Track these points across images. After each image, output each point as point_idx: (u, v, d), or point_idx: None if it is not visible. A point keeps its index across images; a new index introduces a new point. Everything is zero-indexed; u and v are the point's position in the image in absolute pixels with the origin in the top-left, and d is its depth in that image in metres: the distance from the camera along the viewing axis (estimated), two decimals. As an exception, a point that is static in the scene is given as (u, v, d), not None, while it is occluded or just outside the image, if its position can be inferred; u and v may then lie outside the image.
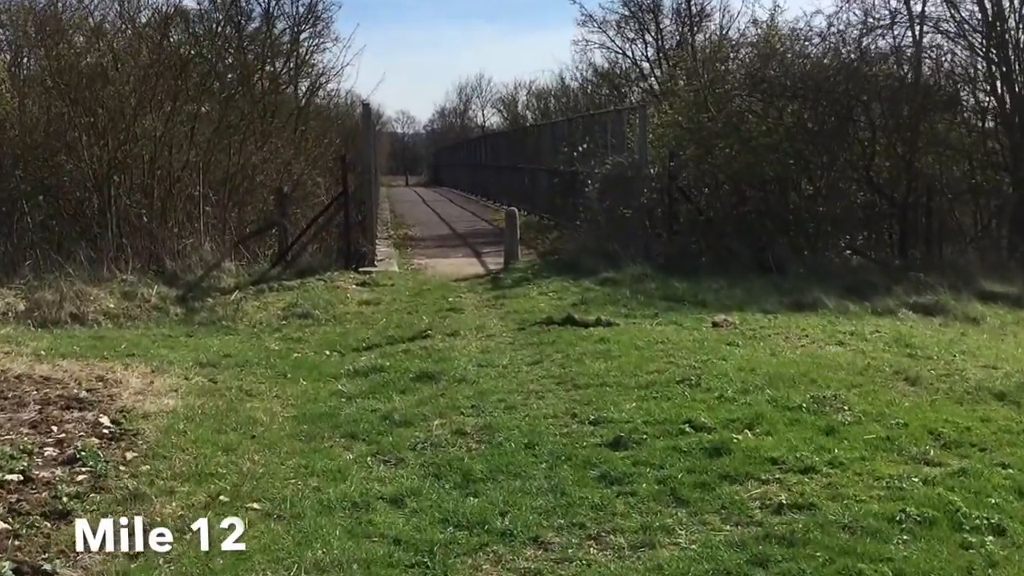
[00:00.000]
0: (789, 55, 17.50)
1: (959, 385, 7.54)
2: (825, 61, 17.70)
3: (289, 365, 9.17)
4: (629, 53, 33.64)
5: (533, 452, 6.25)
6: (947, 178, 18.04)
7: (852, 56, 17.90)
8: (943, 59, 18.56)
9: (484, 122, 72.52)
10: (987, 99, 18.42)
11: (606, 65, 35.41)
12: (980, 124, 18.53)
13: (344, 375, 8.75)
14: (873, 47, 18.34)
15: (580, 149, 20.70)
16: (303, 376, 8.72)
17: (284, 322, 11.67)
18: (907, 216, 18.10)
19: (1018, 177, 17.78)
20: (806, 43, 18.04)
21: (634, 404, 7.20)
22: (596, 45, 36.91)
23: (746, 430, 6.46)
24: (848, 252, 17.14)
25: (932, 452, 5.98)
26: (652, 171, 16.20)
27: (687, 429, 6.49)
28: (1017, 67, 17.94)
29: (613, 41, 33.86)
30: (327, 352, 9.88)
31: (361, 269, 15.39)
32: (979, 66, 18.58)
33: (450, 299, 13.04)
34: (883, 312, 12.18)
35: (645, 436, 6.40)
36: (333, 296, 13.15)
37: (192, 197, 15.40)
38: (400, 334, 10.59)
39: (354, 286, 14.22)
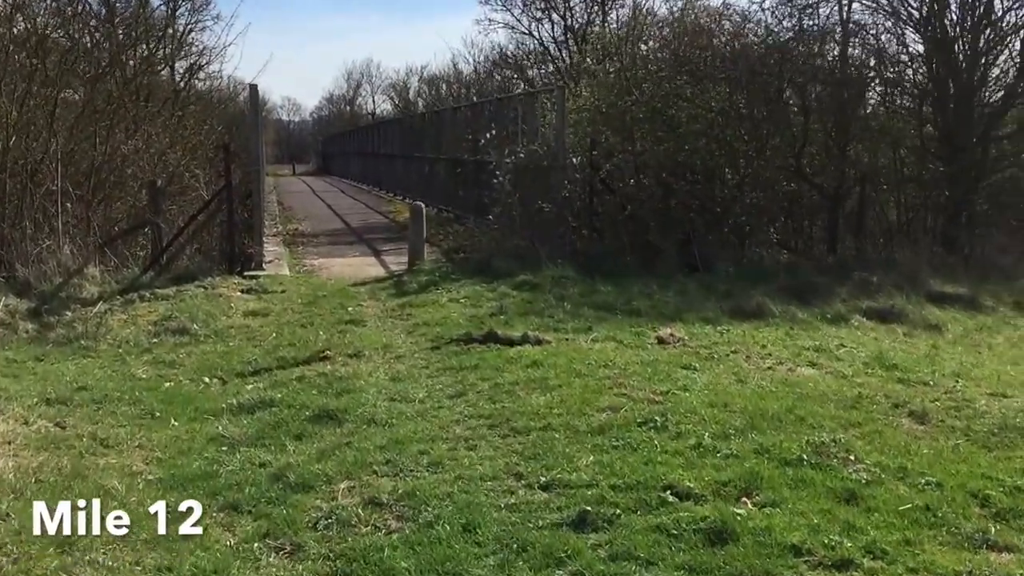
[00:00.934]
0: (718, 34, 16.33)
1: (977, 423, 6.35)
2: (754, 40, 16.60)
3: (159, 399, 7.50)
4: (536, 34, 32.26)
5: (475, 538, 4.75)
6: (882, 167, 17.16)
7: (783, 36, 16.87)
8: (877, 39, 17.70)
9: (375, 109, 70.35)
10: (925, 82, 17.64)
11: (511, 47, 33.95)
12: (918, 109, 17.73)
13: (226, 412, 7.16)
14: (806, 25, 17.34)
15: (487, 136, 19.24)
16: (175, 415, 7.08)
17: (156, 340, 9.88)
18: (838, 208, 17.20)
19: (955, 167, 17.03)
20: (738, 21, 16.91)
21: (592, 458, 5.76)
22: (500, 25, 35.42)
23: (745, 498, 5.08)
24: (779, 248, 16.11)
25: (990, 528, 4.72)
26: (574, 160, 14.80)
27: (669, 498, 5.09)
28: (958, 47, 17.20)
29: (519, 21, 32.40)
30: (206, 379, 8.25)
31: (247, 273, 13.59)
32: (912, 46, 17.83)
33: (350, 308, 11.42)
34: (835, 319, 11.08)
35: (617, 510, 4.97)
36: (214, 306, 11.37)
37: (51, 193, 13.35)
38: (294, 354, 8.97)
39: (239, 293, 12.44)
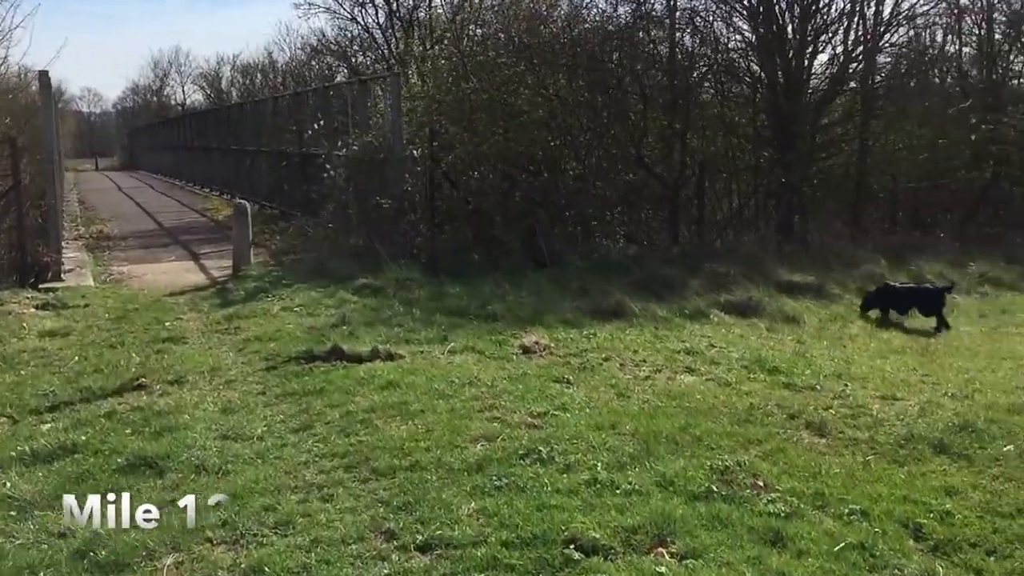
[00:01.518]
0: (554, 19, 15.76)
1: (879, 433, 5.90)
2: (591, 25, 16.14)
3: (-76, 449, 6.17)
4: (360, 19, 30.91)
5: (344, 631, 3.84)
6: (719, 156, 17.07)
7: (619, 21, 16.49)
8: (710, 26, 17.59)
9: (185, 99, 66.86)
10: (758, 70, 17.66)
11: (333, 32, 32.48)
12: (752, 97, 17.74)
13: (16, 462, 5.94)
14: (647, 10, 17.02)
15: (314, 127, 18.06)
16: (-55, 469, 5.80)
17: (-77, 372, 8.37)
18: (678, 198, 17.01)
19: (788, 155, 17.13)
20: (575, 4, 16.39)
21: (474, 504, 4.94)
22: (321, 9, 33.87)
23: (660, 548, 4.38)
24: (625, 240, 15.73)
25: (936, 570, 4.18)
26: (414, 152, 13.88)
27: (575, 555, 4.34)
28: (788, 35, 17.28)
29: (340, 5, 30.93)
30: (-10, 419, 6.92)
31: (43, 286, 12.01)
32: (745, 34, 17.82)
33: (167, 323, 10.14)
34: (695, 315, 10.69)
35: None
36: (2, 327, 9.86)
37: None
38: (101, 383, 7.71)
39: (33, 310, 10.91)
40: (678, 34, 17.18)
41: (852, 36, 18.31)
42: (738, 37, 17.95)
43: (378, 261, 12.74)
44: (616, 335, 8.97)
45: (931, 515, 4.70)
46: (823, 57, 18.64)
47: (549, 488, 5.10)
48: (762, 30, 17.71)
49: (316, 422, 6.56)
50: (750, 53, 18.55)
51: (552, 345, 8.43)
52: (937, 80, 20.65)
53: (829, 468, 5.33)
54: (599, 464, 5.41)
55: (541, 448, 5.67)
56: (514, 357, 8.10)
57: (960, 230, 17.20)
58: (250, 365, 8.26)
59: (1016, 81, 21.19)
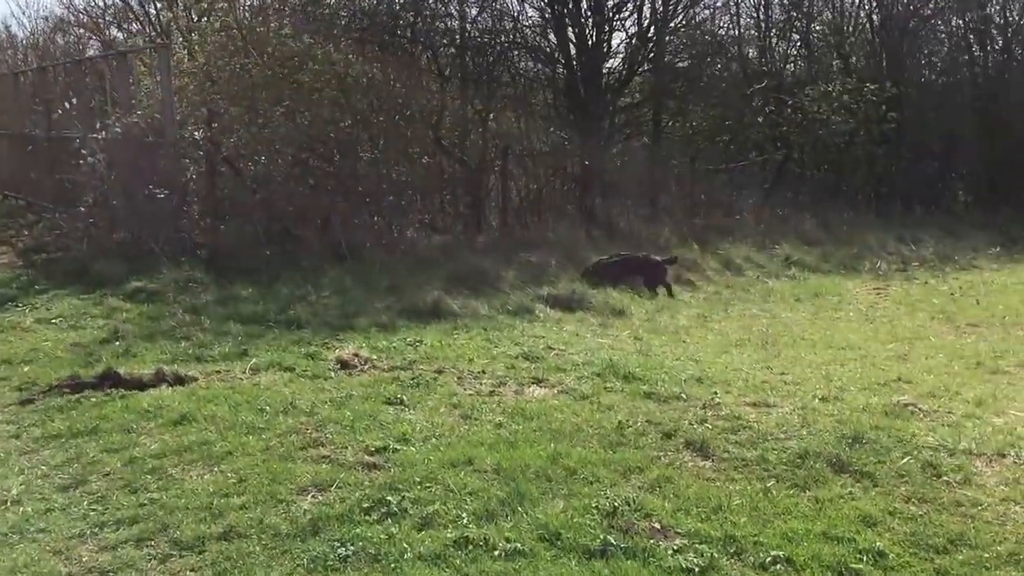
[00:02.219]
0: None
1: (768, 451, 5.25)
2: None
3: None
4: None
5: None
6: (521, 137, 16.41)
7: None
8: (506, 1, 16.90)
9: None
10: (556, 50, 17.13)
11: (80, 3, 29.41)
12: (553, 77, 17.19)
13: None
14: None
15: (65, 107, 15.96)
16: None
17: None
18: (481, 183, 16.23)
19: (588, 137, 16.69)
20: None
21: (320, 586, 3.87)
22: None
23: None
24: (430, 229, 14.77)
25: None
26: (196, 135, 12.32)
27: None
28: (584, 13, 16.83)
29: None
30: None
31: None
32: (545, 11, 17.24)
33: None
34: (520, 312, 9.90)
35: None
36: None
37: None
38: None
39: None
40: (471, 10, 16.35)
41: (646, 16, 18.15)
42: (534, 14, 17.35)
43: (153, 260, 11.23)
44: (444, 341, 8.01)
45: (862, 558, 4.06)
46: (620, 37, 18.41)
47: (410, 554, 4.10)
48: (557, 7, 17.19)
49: (91, 475, 5.26)
50: (548, 31, 18.01)
51: (374, 357, 7.37)
52: (720, 65, 20.87)
53: (728, 500, 4.62)
54: (464, 515, 4.46)
55: (389, 497, 4.66)
56: (332, 374, 6.98)
57: (757, 213, 17.36)
58: (-1, 398, 6.74)
59: (791, 66, 21.81)
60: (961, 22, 22.15)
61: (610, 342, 8.51)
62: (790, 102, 18.66)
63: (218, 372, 7.13)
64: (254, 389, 6.59)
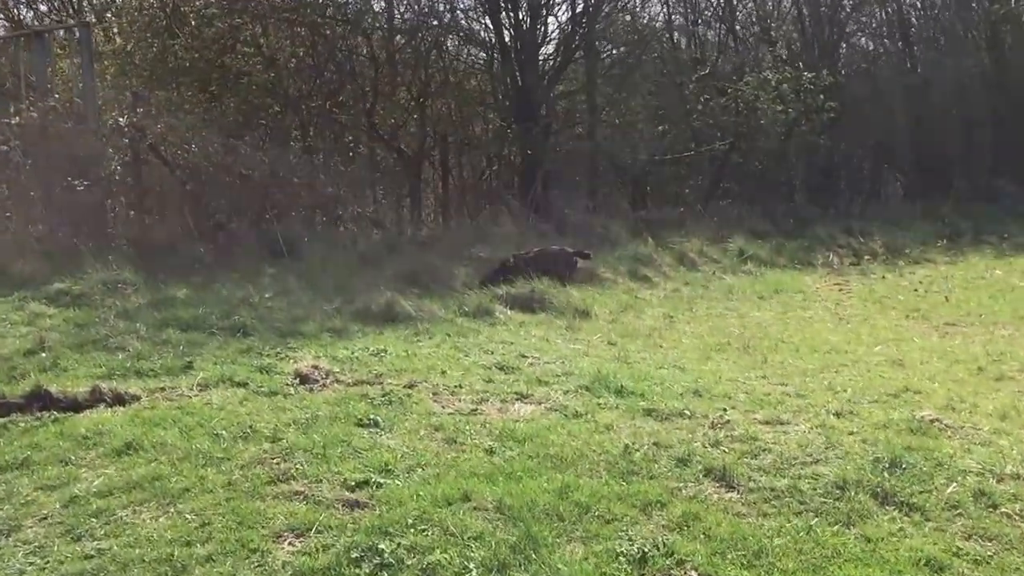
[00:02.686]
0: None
1: (799, 480, 4.78)
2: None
3: None
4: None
5: None
6: (462, 128, 15.81)
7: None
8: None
9: None
10: (492, 37, 16.54)
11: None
12: (491, 63, 16.59)
13: None
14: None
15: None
16: None
17: None
18: (419, 173, 15.60)
19: (528, 125, 16.14)
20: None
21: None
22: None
23: None
24: (369, 223, 14.11)
25: None
26: (120, 120, 11.44)
27: None
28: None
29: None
30: None
31: None
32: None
33: None
34: (479, 313, 9.37)
35: None
36: None
37: None
38: None
39: None
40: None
41: (578, 2, 17.69)
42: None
43: (76, 258, 10.38)
44: (409, 350, 7.40)
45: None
46: (553, 23, 17.90)
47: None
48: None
49: (26, 519, 4.56)
50: (482, 15, 17.42)
51: (336, 369, 6.73)
52: (656, 54, 20.51)
53: (769, 541, 4.13)
54: (472, 566, 3.90)
55: (380, 544, 4.07)
56: (291, 390, 6.33)
57: (704, 205, 17.06)
58: (-93, 424, 5.94)
59: (722, 56, 21.54)
60: (885, 14, 22.28)
61: (584, 348, 8.00)
62: (728, 90, 18.35)
63: (162, 389, 6.41)
64: (206, 409, 5.90)
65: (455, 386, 6.39)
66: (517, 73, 16.42)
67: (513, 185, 16.22)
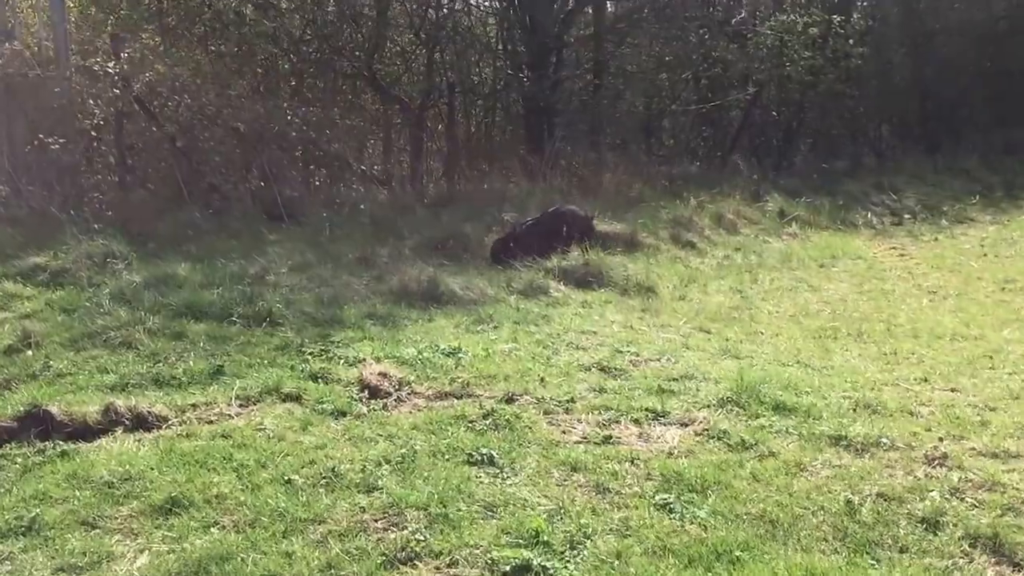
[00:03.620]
0: None
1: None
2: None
3: None
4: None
5: None
6: (471, 76, 14.34)
7: None
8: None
9: None
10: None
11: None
12: (504, 9, 15.06)
13: None
14: None
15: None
16: None
17: None
18: (423, 127, 14.12)
19: (539, 75, 14.68)
20: None
21: None
22: None
23: None
24: (375, 183, 12.65)
25: None
26: (105, 68, 9.83)
27: None
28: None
29: None
30: None
31: None
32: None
33: None
34: (532, 292, 8.06)
35: None
36: None
37: None
38: None
39: None
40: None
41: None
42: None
43: (51, 228, 8.91)
44: (485, 346, 6.06)
45: None
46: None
47: None
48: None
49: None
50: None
51: (410, 377, 5.39)
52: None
53: None
54: None
55: None
56: (360, 406, 5.00)
57: (725, 160, 15.79)
58: None
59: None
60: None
61: (678, 337, 6.73)
62: (749, 35, 16.96)
63: (193, 406, 5.04)
64: (261, 439, 4.56)
65: (565, 400, 5.09)
66: (527, 18, 14.90)
67: (523, 139, 14.76)
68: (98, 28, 10.41)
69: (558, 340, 6.36)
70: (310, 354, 5.90)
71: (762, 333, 7.08)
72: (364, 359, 5.66)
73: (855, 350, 6.60)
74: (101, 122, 9.78)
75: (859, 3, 19.64)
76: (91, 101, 9.75)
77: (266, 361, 5.77)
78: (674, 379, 5.49)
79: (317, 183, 11.44)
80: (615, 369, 5.69)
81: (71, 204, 9.52)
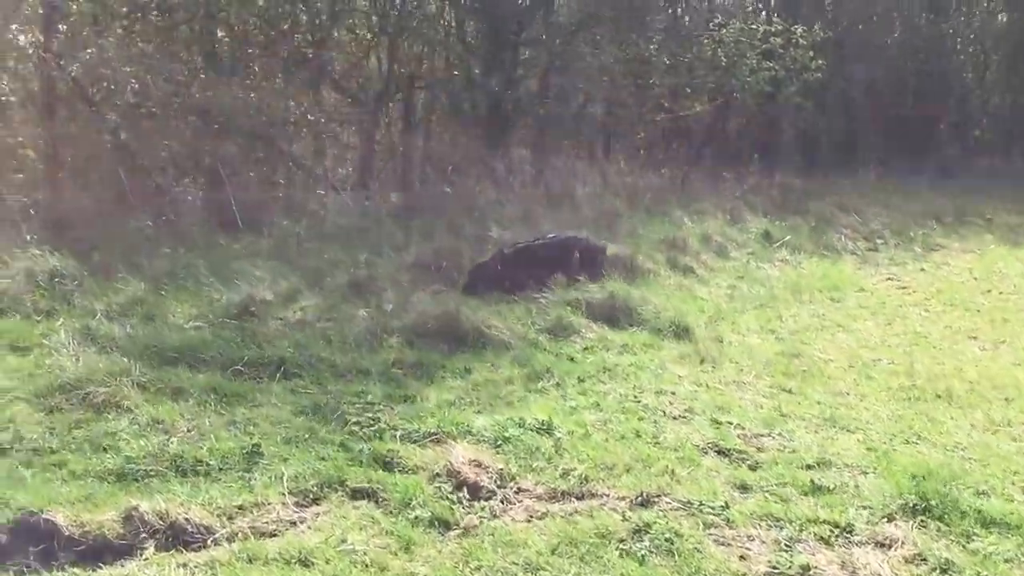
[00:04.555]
0: None
1: None
2: None
3: None
4: None
5: None
6: (430, 70, 13.18)
7: None
8: None
9: None
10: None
11: None
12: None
13: None
14: None
15: None
16: None
17: None
18: (378, 124, 12.93)
19: (495, 74, 13.63)
20: None
21: None
22: None
23: None
24: (333, 186, 11.41)
25: None
26: (19, 40, 8.31)
27: None
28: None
29: None
30: None
31: None
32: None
33: None
34: (559, 329, 7.08)
35: None
36: None
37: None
38: None
39: None
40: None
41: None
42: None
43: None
44: (574, 417, 5.03)
45: None
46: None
47: None
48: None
49: None
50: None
51: (511, 468, 4.31)
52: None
53: None
54: None
55: None
56: (470, 516, 3.91)
57: (685, 175, 15.05)
58: None
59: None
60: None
61: (767, 400, 5.82)
62: (704, 39, 16.26)
63: (241, 509, 3.86)
64: (353, 570, 3.43)
65: (717, 505, 4.10)
66: (489, 11, 13.84)
67: (484, 142, 13.67)
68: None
69: (645, 408, 5.37)
70: (356, 424, 4.77)
71: (847, 394, 6.24)
72: (436, 435, 4.56)
73: (961, 419, 5.83)
74: (25, 107, 8.19)
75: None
76: (4, 81, 8.15)
77: (306, 435, 4.61)
78: (811, 467, 4.60)
79: (278, 184, 10.11)
80: (735, 452, 4.74)
81: (-8, 205, 8.03)
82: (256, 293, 6.88)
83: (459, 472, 4.16)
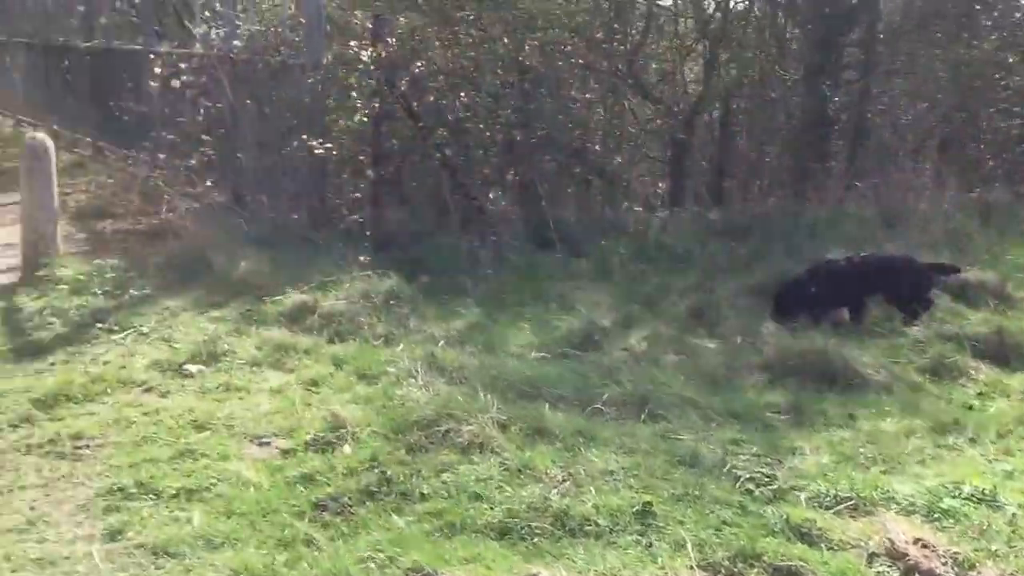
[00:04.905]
0: None
1: None
2: None
3: None
4: None
5: None
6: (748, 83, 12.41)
7: None
8: None
9: None
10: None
11: None
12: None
13: None
14: None
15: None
16: None
17: None
18: (692, 136, 12.29)
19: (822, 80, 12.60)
20: None
21: None
22: None
23: None
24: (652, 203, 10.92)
25: None
26: (360, 55, 8.28)
27: None
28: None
29: None
30: None
31: None
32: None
33: None
34: (948, 373, 6.13)
35: None
36: None
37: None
38: None
39: None
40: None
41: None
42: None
43: (298, 251, 7.46)
44: (987, 475, 4.22)
45: None
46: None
47: None
48: None
49: None
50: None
51: (966, 552, 3.55)
52: None
53: None
54: None
55: None
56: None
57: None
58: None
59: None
60: None
61: None
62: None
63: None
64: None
65: None
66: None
67: (812, 155, 12.64)
68: (355, 4, 8.87)
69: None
70: (751, 480, 4.16)
71: None
72: (851, 499, 3.88)
73: None
74: (365, 119, 8.19)
75: None
76: (353, 94, 8.15)
77: (696, 491, 4.03)
78: None
79: (594, 200, 9.74)
80: None
81: (319, 222, 8.09)
82: (597, 320, 6.45)
83: (905, 554, 3.45)
